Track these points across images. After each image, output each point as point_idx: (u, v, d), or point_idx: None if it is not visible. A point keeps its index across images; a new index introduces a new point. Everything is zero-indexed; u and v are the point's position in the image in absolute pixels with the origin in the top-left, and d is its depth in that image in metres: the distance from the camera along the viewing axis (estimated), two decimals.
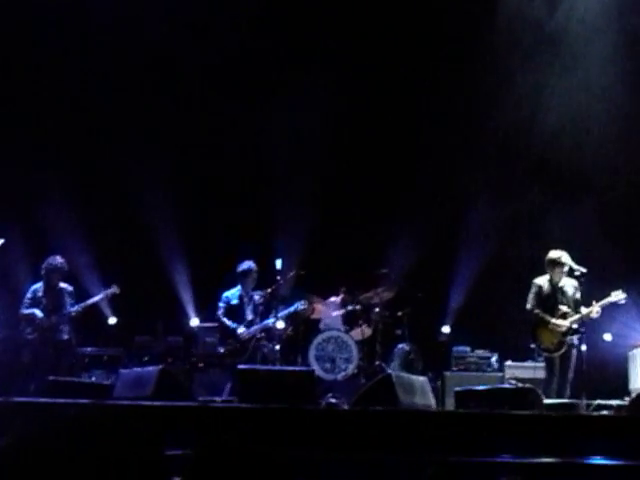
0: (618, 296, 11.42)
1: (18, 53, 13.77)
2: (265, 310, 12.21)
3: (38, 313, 11.55)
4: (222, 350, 12.10)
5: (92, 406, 8.70)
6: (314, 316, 13.17)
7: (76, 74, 13.81)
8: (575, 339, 11.43)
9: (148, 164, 13.97)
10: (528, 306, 11.72)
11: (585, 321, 11.29)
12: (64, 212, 13.57)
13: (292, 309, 12.35)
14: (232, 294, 12.33)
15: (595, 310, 11.32)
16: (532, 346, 11.76)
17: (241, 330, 12.08)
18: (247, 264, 12.25)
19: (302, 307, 12.41)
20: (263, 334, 12.15)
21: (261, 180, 14.27)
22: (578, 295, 11.56)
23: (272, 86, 14.22)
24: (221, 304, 12.30)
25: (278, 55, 14.32)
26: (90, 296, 11.88)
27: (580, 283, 11.40)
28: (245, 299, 12.33)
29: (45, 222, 13.40)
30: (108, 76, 13.88)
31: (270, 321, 12.17)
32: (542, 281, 11.74)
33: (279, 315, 12.26)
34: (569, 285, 11.66)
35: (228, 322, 12.17)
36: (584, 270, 11.27)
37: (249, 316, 12.23)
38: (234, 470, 2.19)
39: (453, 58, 14.10)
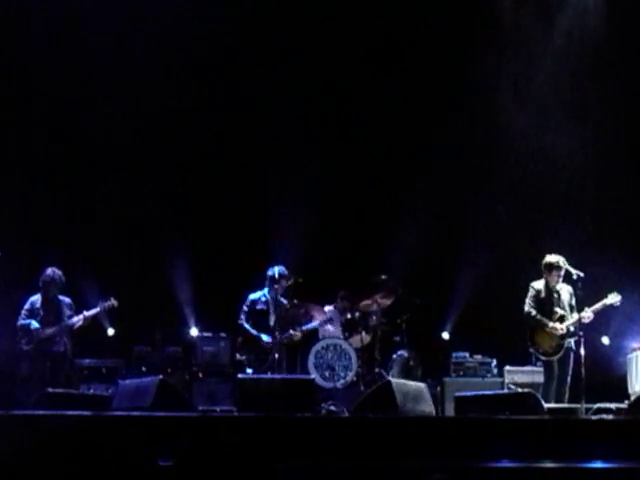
0: (614, 298, 11.46)
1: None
2: (286, 322, 12.09)
3: (34, 324, 11.55)
4: (242, 358, 11.99)
5: (85, 418, 8.69)
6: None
7: (75, 72, 13.78)
8: (573, 343, 11.45)
9: (147, 171, 13.98)
10: (526, 309, 11.74)
11: (582, 325, 11.29)
12: (61, 222, 13.55)
13: (316, 323, 12.36)
14: (258, 298, 12.21)
15: (587, 315, 11.34)
16: (530, 350, 11.75)
17: (265, 339, 11.99)
18: (281, 268, 12.06)
19: (325, 323, 12.49)
20: (285, 343, 12.11)
21: (259, 187, 14.25)
22: (573, 301, 11.62)
23: (271, 88, 14.22)
24: (245, 308, 12.15)
25: (277, 54, 14.32)
26: (88, 308, 11.85)
27: (577, 287, 11.42)
28: (272, 306, 12.16)
29: (42, 232, 13.38)
30: (110, 77, 13.85)
31: (297, 333, 12.18)
32: (539, 285, 11.76)
33: (303, 328, 12.24)
34: (565, 290, 11.71)
35: (252, 330, 12.05)
36: (581, 274, 11.29)
37: (272, 324, 12.09)
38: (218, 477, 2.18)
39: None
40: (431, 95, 14.19)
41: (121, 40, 13.74)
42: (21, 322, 11.63)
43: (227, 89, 14.31)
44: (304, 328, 12.33)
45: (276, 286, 12.05)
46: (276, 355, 11.94)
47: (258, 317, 12.14)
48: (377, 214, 14.28)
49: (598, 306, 11.46)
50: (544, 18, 14.12)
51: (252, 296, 12.20)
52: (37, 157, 13.84)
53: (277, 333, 12.03)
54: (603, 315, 11.66)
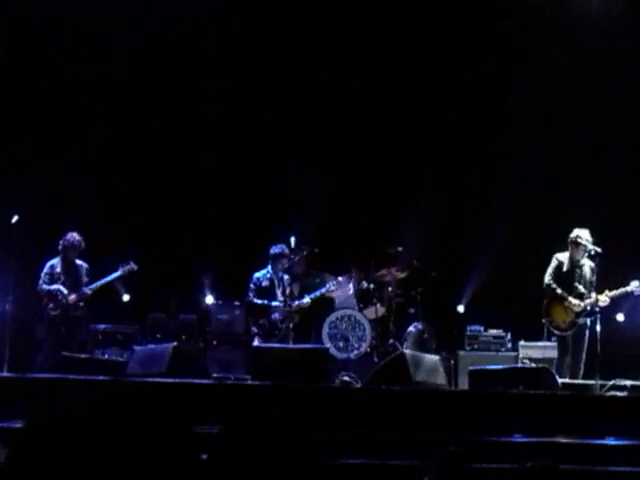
0: (635, 286, 11.34)
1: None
2: (293, 291, 12.32)
3: (63, 289, 11.53)
4: (254, 330, 12.13)
5: (113, 383, 8.73)
6: (330, 294, 13.16)
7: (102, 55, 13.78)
8: (588, 320, 11.40)
9: (166, 139, 13.97)
10: (546, 280, 11.62)
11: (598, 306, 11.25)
12: (80, 186, 13.55)
13: (324, 290, 12.45)
14: (262, 275, 12.42)
15: (604, 299, 11.26)
16: (543, 321, 11.70)
17: (275, 304, 12.20)
18: (280, 247, 12.31)
19: (333, 288, 12.58)
20: (295, 315, 12.21)
21: (275, 157, 14.24)
22: (594, 278, 11.47)
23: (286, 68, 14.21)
24: (252, 285, 12.38)
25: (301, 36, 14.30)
26: (105, 273, 11.85)
27: (595, 263, 11.35)
28: (275, 281, 12.41)
29: (60, 196, 13.38)
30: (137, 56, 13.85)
31: (304, 301, 12.31)
32: (563, 257, 11.62)
33: (311, 296, 12.35)
34: (587, 266, 11.58)
35: (259, 301, 12.26)
36: (599, 250, 11.22)
37: (280, 298, 12.31)
38: (263, 447, 2.17)
39: None
40: (450, 68, 14.13)
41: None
42: (46, 287, 11.60)
43: (243, 63, 14.27)
44: (312, 295, 12.38)
45: (278, 263, 12.29)
46: (283, 325, 12.15)
47: (264, 293, 12.35)
48: (394, 185, 14.23)
49: (617, 292, 11.36)
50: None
51: (257, 274, 12.44)
52: (56, 121, 13.81)
53: (283, 307, 12.23)
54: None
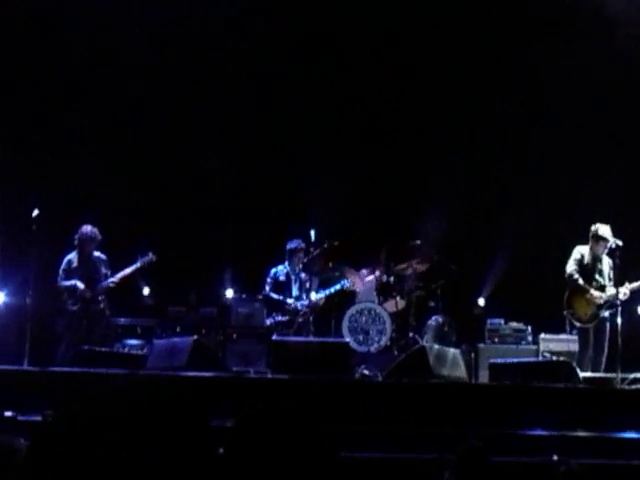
0: None
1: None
2: (310, 287, 12.39)
3: (80, 285, 11.53)
4: (269, 322, 12.18)
5: (130, 376, 8.75)
6: (351, 288, 13.13)
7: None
8: (608, 313, 11.36)
9: (185, 130, 13.99)
10: (569, 271, 11.57)
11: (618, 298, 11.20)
12: (98, 179, 13.57)
13: (338, 287, 12.51)
14: (280, 270, 12.55)
15: (624, 291, 11.23)
16: (564, 313, 11.65)
17: (290, 300, 12.33)
18: (296, 242, 12.46)
19: (348, 285, 12.63)
20: (309, 310, 12.25)
21: (295, 151, 14.22)
22: (612, 273, 11.48)
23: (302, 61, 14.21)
24: (269, 279, 12.54)
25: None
26: (125, 264, 11.84)
27: (615, 256, 11.31)
28: (292, 276, 12.55)
29: (79, 189, 13.40)
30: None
31: (319, 296, 12.41)
32: (584, 250, 11.60)
33: (325, 292, 12.43)
34: (605, 261, 11.57)
35: (276, 296, 12.39)
36: (620, 243, 11.18)
37: (296, 293, 12.46)
38: (278, 441, 2.17)
39: None
40: (469, 62, 14.09)
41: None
42: (64, 283, 11.61)
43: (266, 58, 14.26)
44: (326, 292, 12.40)
45: (295, 258, 12.44)
46: (300, 320, 12.24)
47: (281, 288, 12.50)
48: (414, 178, 14.20)
49: (638, 285, 11.33)
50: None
51: (274, 269, 12.59)
52: (74, 115, 13.84)
53: (302, 300, 12.36)
54: None
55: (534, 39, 14.02)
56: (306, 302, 12.27)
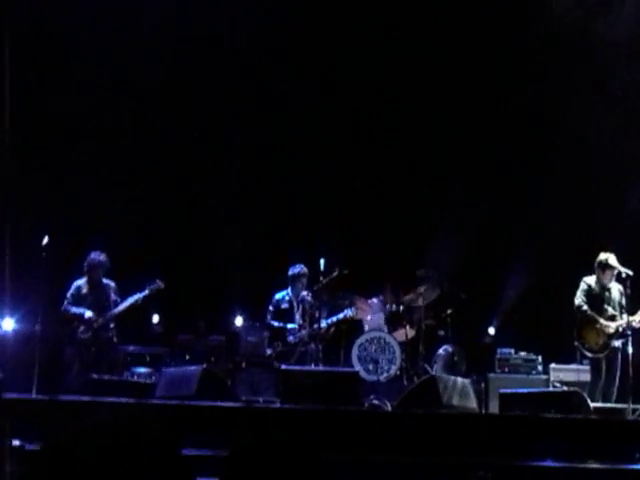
0: None
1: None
2: (314, 314, 12.26)
3: (88, 313, 11.53)
4: (270, 352, 12.13)
5: (130, 405, 8.72)
6: (357, 317, 13.10)
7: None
8: (620, 343, 11.32)
9: (193, 158, 14.03)
10: (577, 302, 11.57)
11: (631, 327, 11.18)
12: (106, 206, 13.60)
13: (341, 316, 12.36)
14: (282, 297, 12.44)
15: (638, 319, 11.22)
16: (575, 344, 11.61)
17: (290, 327, 12.21)
18: (298, 267, 12.37)
19: (351, 314, 12.44)
20: (312, 338, 12.20)
21: (304, 180, 14.24)
22: (623, 300, 11.45)
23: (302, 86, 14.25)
24: (271, 307, 12.44)
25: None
26: (133, 291, 11.83)
27: (626, 286, 11.29)
28: (295, 303, 12.44)
29: (88, 217, 13.42)
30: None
31: (322, 325, 12.20)
32: (591, 280, 11.62)
33: (328, 321, 12.28)
34: (615, 289, 11.57)
35: (277, 324, 12.29)
36: (630, 272, 11.17)
37: (298, 320, 12.33)
38: (273, 470, 2.15)
39: None
40: (473, 89, 14.10)
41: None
42: (72, 310, 11.61)
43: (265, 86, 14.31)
44: (329, 321, 12.31)
45: (298, 283, 12.34)
46: (302, 349, 12.16)
47: (283, 315, 12.38)
48: (424, 207, 14.21)
49: None
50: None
51: (277, 296, 12.49)
52: (82, 141, 13.88)
53: (303, 329, 12.27)
54: None
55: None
56: (308, 330, 12.19)
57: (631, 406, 10.22)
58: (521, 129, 14.21)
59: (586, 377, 11.70)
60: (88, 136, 13.88)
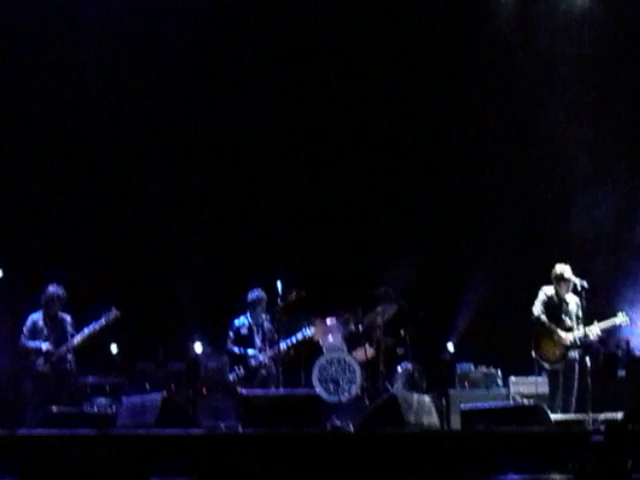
0: (622, 319, 11.44)
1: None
2: (273, 337, 12.20)
3: (45, 345, 11.45)
4: (232, 377, 12.07)
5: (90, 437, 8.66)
6: (315, 338, 13.10)
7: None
8: (576, 353, 11.42)
9: (150, 184, 14.00)
10: (535, 312, 11.62)
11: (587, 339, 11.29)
12: (61, 237, 13.53)
13: (300, 336, 12.31)
14: (242, 323, 12.36)
15: (595, 332, 11.32)
16: (533, 355, 11.67)
17: (251, 352, 12.14)
18: (256, 293, 12.29)
19: (309, 334, 12.37)
20: (272, 361, 12.13)
21: (261, 201, 14.27)
22: (580, 312, 11.55)
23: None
24: (230, 333, 12.34)
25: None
26: (90, 322, 11.75)
27: (581, 297, 11.39)
28: (254, 328, 12.36)
29: (42, 249, 13.35)
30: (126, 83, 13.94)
31: (281, 346, 12.14)
32: (550, 291, 11.66)
33: (287, 342, 12.23)
34: (573, 301, 11.64)
35: (237, 349, 12.22)
36: (585, 284, 11.26)
37: (258, 345, 12.27)
38: None
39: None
40: (437, 102, 14.23)
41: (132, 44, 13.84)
42: (29, 344, 11.50)
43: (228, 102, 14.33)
44: (288, 342, 12.26)
45: (257, 308, 12.27)
46: (264, 372, 12.11)
47: (244, 341, 12.30)
48: (379, 226, 14.25)
49: (606, 325, 11.43)
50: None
51: (236, 322, 12.39)
52: (36, 172, 13.82)
53: (264, 352, 12.21)
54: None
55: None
56: (269, 353, 12.16)
57: (591, 416, 10.28)
58: (474, 144, 14.32)
59: (544, 389, 11.78)
60: (40, 167, 13.81)
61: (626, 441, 6.70)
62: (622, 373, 11.29)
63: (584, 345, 11.27)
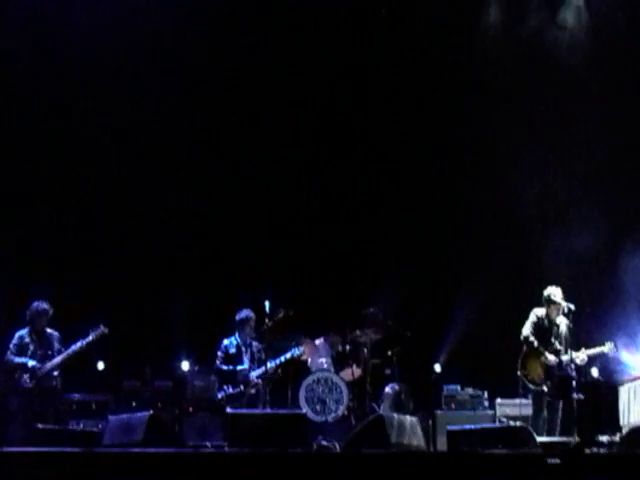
0: (609, 349, 11.53)
1: None
2: (262, 357, 12.21)
3: (31, 362, 11.42)
4: (220, 395, 12.04)
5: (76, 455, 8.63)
6: (303, 357, 13.10)
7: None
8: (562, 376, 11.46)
9: (138, 201, 14.01)
10: (525, 333, 11.67)
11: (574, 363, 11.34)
12: (48, 254, 13.52)
13: (288, 355, 12.31)
14: (230, 343, 12.36)
15: (582, 357, 11.39)
16: (518, 374, 11.69)
17: (240, 368, 12.12)
18: (245, 313, 12.30)
19: (298, 353, 12.38)
20: (259, 380, 12.11)
21: (250, 221, 14.29)
22: (569, 336, 11.58)
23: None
24: (219, 353, 12.32)
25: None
26: (77, 339, 11.73)
27: (569, 319, 11.44)
28: (243, 348, 12.36)
29: (29, 266, 13.34)
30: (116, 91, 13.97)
31: (270, 365, 12.13)
32: (541, 313, 11.73)
33: (276, 361, 12.21)
34: (564, 324, 11.69)
35: (226, 367, 12.20)
36: (572, 307, 11.32)
37: (247, 364, 12.25)
38: None
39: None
40: (426, 122, 14.30)
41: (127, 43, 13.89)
42: (15, 360, 11.48)
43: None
44: (277, 361, 12.25)
45: (245, 328, 12.28)
46: (252, 391, 12.08)
47: (232, 360, 12.29)
48: (367, 247, 14.29)
49: (594, 352, 11.54)
50: None
51: (225, 341, 12.40)
52: (22, 186, 13.82)
53: (252, 371, 12.18)
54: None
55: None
56: (258, 372, 12.15)
57: (576, 438, 10.31)
58: (460, 170, 14.39)
59: (528, 411, 11.81)
60: (26, 181, 13.81)
61: (582, 464, 6.75)
62: (579, 396, 11.29)
63: (570, 368, 11.31)
